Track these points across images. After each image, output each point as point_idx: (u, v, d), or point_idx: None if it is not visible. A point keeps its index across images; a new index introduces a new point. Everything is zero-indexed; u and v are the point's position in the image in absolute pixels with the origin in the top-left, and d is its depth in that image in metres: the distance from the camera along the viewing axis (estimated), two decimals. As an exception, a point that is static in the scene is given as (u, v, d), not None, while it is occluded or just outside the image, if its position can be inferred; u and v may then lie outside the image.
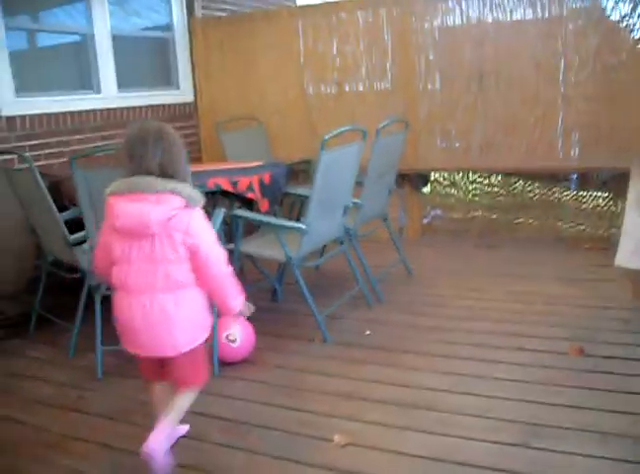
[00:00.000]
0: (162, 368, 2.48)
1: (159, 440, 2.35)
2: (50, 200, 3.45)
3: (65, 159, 4.83)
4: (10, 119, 4.58)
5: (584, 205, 5.52)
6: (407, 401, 2.98)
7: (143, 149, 2.25)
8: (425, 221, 6.12)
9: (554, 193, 5.61)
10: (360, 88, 5.89)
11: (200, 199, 2.33)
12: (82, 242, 3.45)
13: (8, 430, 2.95)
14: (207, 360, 2.63)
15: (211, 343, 2.67)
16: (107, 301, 3.43)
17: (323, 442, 2.68)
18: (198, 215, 2.31)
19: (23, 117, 4.67)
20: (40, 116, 4.79)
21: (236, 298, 2.46)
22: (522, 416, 2.76)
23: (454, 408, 2.88)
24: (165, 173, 2.26)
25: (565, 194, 5.58)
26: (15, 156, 4.29)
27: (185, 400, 2.47)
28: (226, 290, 2.42)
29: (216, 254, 2.35)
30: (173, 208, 2.23)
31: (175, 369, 2.44)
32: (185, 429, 2.79)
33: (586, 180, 5.48)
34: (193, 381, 2.48)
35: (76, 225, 3.44)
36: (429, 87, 5.66)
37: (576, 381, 3.05)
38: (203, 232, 2.32)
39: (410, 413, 2.87)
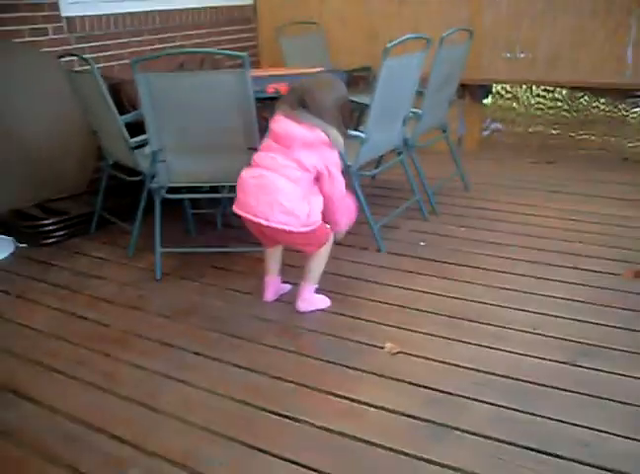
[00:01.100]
0: (266, 236, 2.97)
1: (304, 301, 3.07)
2: (111, 103, 3.47)
3: (125, 61, 4.85)
4: (70, 20, 4.59)
5: (650, 124, 5.35)
6: (458, 313, 3.01)
7: (311, 96, 2.83)
8: (484, 134, 6.00)
9: (620, 110, 5.42)
10: (424, -6, 5.71)
11: (341, 145, 2.92)
12: (143, 145, 3.49)
13: (75, 325, 3.08)
14: (320, 238, 2.96)
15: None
16: (166, 204, 3.52)
17: (373, 349, 2.74)
18: (335, 155, 2.90)
19: (82, 17, 4.66)
20: (99, 17, 4.78)
21: (342, 218, 3.05)
22: (572, 334, 2.77)
23: (505, 322, 2.90)
24: (322, 116, 2.82)
25: (631, 111, 5.39)
26: (75, 58, 4.29)
27: (314, 262, 3.03)
28: (335, 211, 2.99)
29: (336, 183, 2.92)
30: (318, 140, 2.81)
31: (281, 241, 3.03)
32: (287, 287, 3.31)
33: (655, 97, 5.29)
34: (307, 250, 3.01)
35: (137, 128, 3.47)
36: (495, -6, 5.47)
37: (628, 303, 3.02)
38: (333, 168, 2.89)
39: (461, 324, 2.91)
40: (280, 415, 2.34)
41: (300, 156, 2.80)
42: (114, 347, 2.85)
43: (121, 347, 2.86)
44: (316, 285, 3.09)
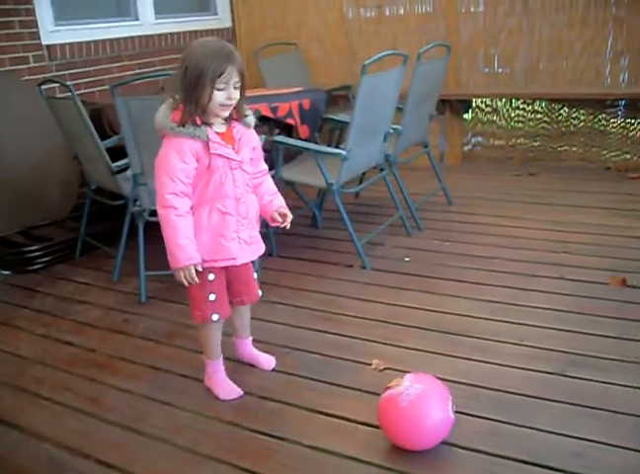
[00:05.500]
0: None
1: None
2: (92, 129, 3.47)
3: (105, 87, 4.85)
4: (50, 48, 4.60)
5: (631, 133, 5.37)
6: (444, 327, 3.00)
7: None
8: (465, 148, 6.04)
9: (600, 120, 5.47)
10: (401, 11, 5.76)
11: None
12: (124, 169, 3.49)
13: (60, 350, 3.06)
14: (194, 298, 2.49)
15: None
16: (150, 227, 3.50)
17: (360, 366, 2.72)
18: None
19: (62, 45, 4.68)
20: (79, 44, 4.80)
21: (171, 252, 2.28)
22: (560, 345, 2.77)
23: (491, 335, 2.90)
24: None
25: (611, 121, 5.43)
26: (56, 85, 4.29)
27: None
28: (164, 235, 2.29)
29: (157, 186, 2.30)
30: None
31: None
32: None
33: (634, 107, 5.32)
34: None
35: (118, 153, 3.47)
36: (471, 9, 5.52)
37: (616, 312, 3.02)
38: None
39: (447, 339, 2.90)
40: (267, 435, 2.32)
41: None
42: (99, 371, 2.83)
43: (107, 371, 2.83)
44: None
